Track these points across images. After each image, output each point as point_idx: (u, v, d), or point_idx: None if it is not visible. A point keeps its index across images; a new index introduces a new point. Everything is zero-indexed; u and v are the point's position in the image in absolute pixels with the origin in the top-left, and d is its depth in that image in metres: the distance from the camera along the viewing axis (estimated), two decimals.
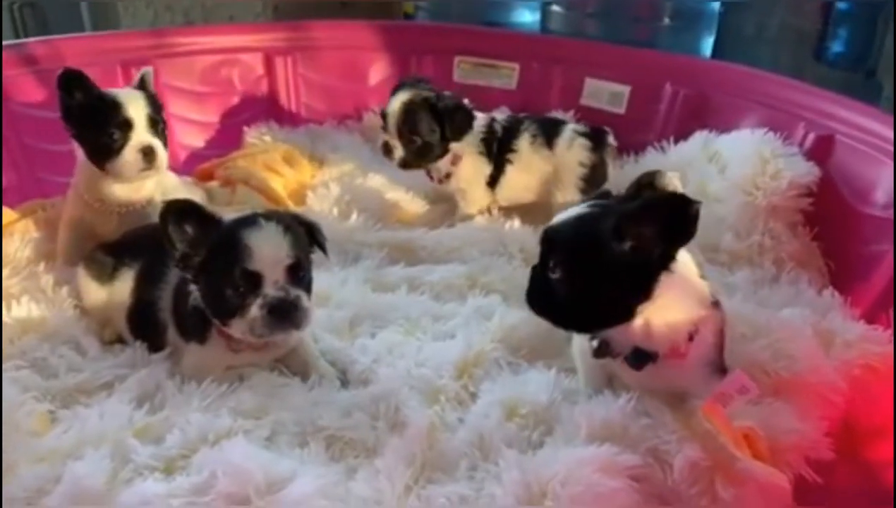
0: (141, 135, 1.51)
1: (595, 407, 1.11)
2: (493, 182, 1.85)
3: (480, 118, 1.83)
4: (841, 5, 2.53)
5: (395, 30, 2.47)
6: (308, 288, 1.18)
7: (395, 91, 1.80)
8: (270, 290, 1.12)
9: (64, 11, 3.60)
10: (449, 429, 1.14)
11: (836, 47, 2.53)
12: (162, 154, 1.53)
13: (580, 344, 1.19)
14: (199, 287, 1.18)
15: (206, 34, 2.28)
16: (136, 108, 1.50)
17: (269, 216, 1.17)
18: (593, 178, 1.78)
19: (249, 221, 1.14)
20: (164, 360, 1.27)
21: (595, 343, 1.11)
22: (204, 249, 1.14)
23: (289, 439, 1.12)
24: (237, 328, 1.16)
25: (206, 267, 1.15)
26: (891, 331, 1.37)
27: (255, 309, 1.12)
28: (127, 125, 1.50)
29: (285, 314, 1.13)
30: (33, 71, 1.94)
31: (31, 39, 2.06)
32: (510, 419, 1.13)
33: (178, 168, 2.07)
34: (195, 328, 1.22)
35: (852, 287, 1.53)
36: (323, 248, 1.23)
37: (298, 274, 1.15)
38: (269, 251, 1.12)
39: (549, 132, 1.82)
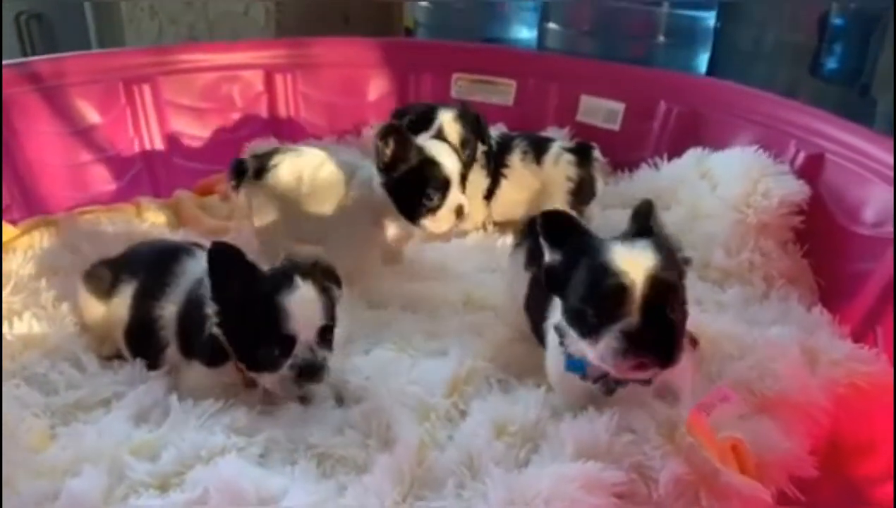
0: (456, 194, 1.53)
1: (580, 424, 1.12)
2: (488, 196, 1.89)
3: None
4: (836, 21, 2.54)
5: (394, 47, 2.50)
6: (332, 343, 1.20)
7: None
8: (301, 353, 1.15)
9: (70, 22, 3.64)
10: (438, 447, 1.16)
11: (831, 63, 2.54)
12: (468, 209, 1.56)
13: (557, 370, 1.20)
14: (226, 328, 1.17)
15: (207, 51, 2.31)
16: (453, 168, 1.52)
17: (305, 273, 1.17)
18: (581, 193, 1.82)
19: (287, 280, 1.15)
20: (162, 377, 1.29)
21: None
22: (240, 299, 1.14)
23: (282, 456, 1.13)
24: (265, 380, 1.20)
25: (240, 318, 1.15)
26: (877, 350, 1.39)
27: (285, 370, 1.15)
28: (445, 186, 1.51)
29: (311, 376, 1.17)
30: (35, 88, 1.97)
31: (34, 58, 2.10)
32: (499, 437, 1.14)
33: (179, 184, 2.11)
34: (211, 353, 1.22)
35: (841, 305, 1.54)
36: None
37: (327, 335, 1.18)
38: (304, 314, 1.14)
39: (537, 148, 1.87)
